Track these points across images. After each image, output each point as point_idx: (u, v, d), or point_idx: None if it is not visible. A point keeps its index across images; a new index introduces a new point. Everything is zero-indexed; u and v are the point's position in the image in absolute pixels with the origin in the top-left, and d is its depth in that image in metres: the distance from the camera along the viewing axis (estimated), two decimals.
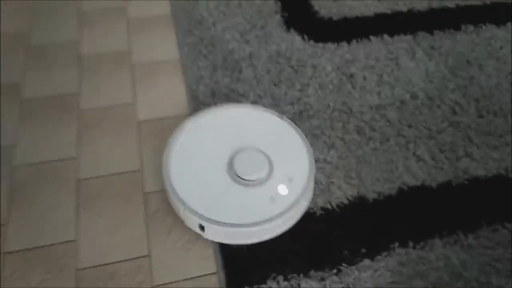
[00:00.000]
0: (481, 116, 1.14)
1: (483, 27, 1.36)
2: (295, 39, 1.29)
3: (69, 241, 0.90)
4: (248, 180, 0.91)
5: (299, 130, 1.01)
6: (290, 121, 1.03)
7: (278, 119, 1.02)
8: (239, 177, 0.92)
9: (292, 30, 1.31)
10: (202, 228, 0.87)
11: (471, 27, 1.36)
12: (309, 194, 0.95)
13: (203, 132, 0.99)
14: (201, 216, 0.87)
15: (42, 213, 0.94)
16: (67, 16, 1.35)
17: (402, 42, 1.31)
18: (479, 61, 1.27)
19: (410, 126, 1.11)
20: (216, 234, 0.89)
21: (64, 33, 1.30)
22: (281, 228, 0.90)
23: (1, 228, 0.91)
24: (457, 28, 1.36)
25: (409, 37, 1.32)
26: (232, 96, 1.14)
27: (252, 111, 1.05)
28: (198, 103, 1.12)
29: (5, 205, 0.94)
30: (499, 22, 1.38)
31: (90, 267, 0.87)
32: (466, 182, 1.01)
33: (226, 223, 0.86)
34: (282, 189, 0.91)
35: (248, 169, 0.92)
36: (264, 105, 1.10)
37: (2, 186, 0.97)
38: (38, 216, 0.93)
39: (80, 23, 1.34)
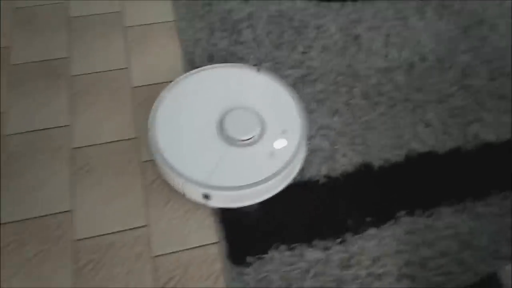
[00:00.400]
0: (493, 79, 1.08)
1: None
2: None
3: (64, 212, 0.87)
4: (242, 141, 0.88)
5: (282, 80, 0.98)
6: (269, 73, 0.99)
7: (257, 73, 0.98)
8: (233, 138, 0.88)
9: None
10: (206, 197, 0.84)
11: None
12: (305, 142, 0.92)
13: (185, 99, 0.94)
14: (204, 185, 0.83)
15: (35, 183, 0.90)
16: None
17: (411, 0, 1.23)
18: (492, 21, 1.20)
19: (418, 90, 1.05)
20: (223, 200, 0.85)
21: None
22: (287, 181, 0.88)
23: None
24: None
25: None
26: (231, 60, 1.09)
27: (227, 69, 1.00)
28: (194, 68, 1.07)
29: None
30: None
31: (86, 238, 0.84)
32: (476, 148, 0.97)
33: (232, 186, 0.83)
34: (279, 143, 0.89)
35: (240, 129, 0.88)
36: (266, 69, 1.04)
37: None
38: (31, 186, 0.90)
39: None
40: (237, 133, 0.88)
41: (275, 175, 0.85)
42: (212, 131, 0.89)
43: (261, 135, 0.89)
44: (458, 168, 0.94)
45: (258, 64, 1.07)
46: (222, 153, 0.87)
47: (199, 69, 0.99)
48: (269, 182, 0.84)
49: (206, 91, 0.96)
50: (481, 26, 1.18)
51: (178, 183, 0.85)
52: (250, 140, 0.88)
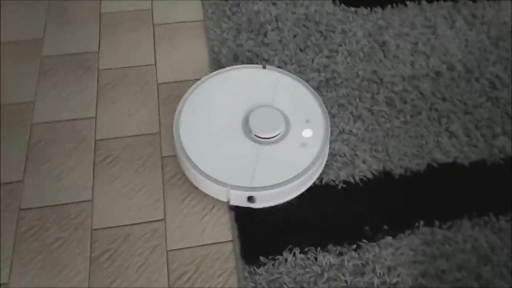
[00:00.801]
0: None
1: None
2: (325, 2, 1.21)
3: (85, 201, 0.89)
4: (271, 138, 0.90)
5: (294, 75, 1.01)
6: (278, 69, 1.02)
7: (267, 71, 1.01)
8: (261, 138, 0.89)
9: None
10: (250, 199, 0.85)
11: None
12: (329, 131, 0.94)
13: (201, 111, 0.96)
14: (249, 188, 0.85)
15: (59, 172, 0.93)
16: None
17: (441, 9, 1.21)
18: None
19: (444, 100, 1.04)
20: (268, 199, 0.87)
21: None
22: (320, 169, 0.91)
23: (17, 184, 0.91)
24: None
25: (449, 4, 1.22)
26: (255, 61, 1.09)
27: (236, 72, 1.02)
28: (219, 67, 1.08)
29: (22, 162, 0.94)
30: None
31: (105, 228, 0.86)
32: (502, 162, 0.95)
33: (274, 184, 0.85)
34: (307, 132, 0.91)
35: (266, 127, 0.90)
36: (289, 71, 1.04)
37: (20, 144, 0.96)
38: (54, 174, 0.92)
39: None
40: (264, 131, 0.90)
41: (312, 164, 0.87)
42: (239, 132, 0.91)
43: (287, 130, 0.91)
44: (481, 181, 0.92)
45: (282, 67, 1.07)
46: (255, 154, 0.88)
47: (221, 70, 1.02)
48: (308, 173, 0.86)
49: (227, 93, 0.98)
50: None
51: (221, 191, 0.86)
52: (278, 136, 0.90)
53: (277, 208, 0.87)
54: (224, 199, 0.87)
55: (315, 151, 0.89)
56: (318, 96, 0.97)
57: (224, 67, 1.04)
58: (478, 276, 0.80)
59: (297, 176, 0.86)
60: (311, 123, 0.92)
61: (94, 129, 0.99)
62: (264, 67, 1.01)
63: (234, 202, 0.87)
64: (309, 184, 0.89)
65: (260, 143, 0.90)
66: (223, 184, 0.85)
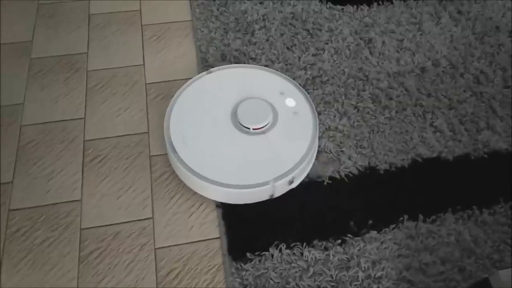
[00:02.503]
0: (507, 87, 1.07)
1: None
2: (312, 1, 1.22)
3: (74, 201, 0.90)
4: (261, 128, 0.92)
5: (270, 68, 1.03)
6: (255, 65, 1.04)
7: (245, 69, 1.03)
8: (247, 127, 0.92)
9: None
10: (291, 182, 0.89)
11: None
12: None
13: (191, 106, 0.97)
14: (290, 173, 0.87)
15: (49, 172, 0.94)
16: None
17: (427, 5, 1.22)
18: (508, 28, 1.18)
19: (429, 95, 1.05)
20: (303, 173, 0.91)
21: None
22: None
23: (7, 185, 0.92)
24: None
25: (434, 1, 1.23)
26: (243, 60, 1.10)
27: (236, 70, 1.03)
28: (208, 66, 1.09)
29: (12, 163, 0.95)
30: None
31: (93, 227, 0.87)
32: (486, 156, 0.96)
33: (301, 159, 0.89)
34: (290, 102, 0.96)
35: (254, 117, 0.92)
36: (276, 70, 1.05)
37: (9, 145, 0.97)
38: (44, 175, 0.93)
39: None
40: (251, 121, 0.92)
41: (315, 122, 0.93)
42: (229, 128, 0.93)
43: (274, 116, 0.94)
44: (465, 175, 0.93)
45: (269, 65, 1.08)
46: (267, 143, 0.91)
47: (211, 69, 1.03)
48: (316, 139, 0.93)
49: (205, 98, 0.99)
50: (498, 33, 1.17)
51: (266, 189, 0.87)
52: (267, 126, 0.93)
53: (263, 204, 0.88)
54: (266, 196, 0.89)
55: (310, 119, 0.94)
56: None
57: (212, 67, 1.06)
58: (461, 268, 0.81)
59: (311, 145, 0.91)
60: (285, 95, 0.97)
61: (83, 130, 1.00)
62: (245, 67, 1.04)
63: (277, 193, 0.89)
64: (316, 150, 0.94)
65: (259, 133, 0.92)
66: (266, 183, 0.86)
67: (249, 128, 0.92)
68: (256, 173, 0.87)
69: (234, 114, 0.93)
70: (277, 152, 0.90)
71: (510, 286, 0.57)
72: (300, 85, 1.01)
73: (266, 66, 1.07)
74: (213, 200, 0.90)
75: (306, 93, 0.98)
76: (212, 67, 1.08)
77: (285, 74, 1.03)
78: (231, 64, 1.09)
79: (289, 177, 0.87)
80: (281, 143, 0.91)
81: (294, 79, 1.04)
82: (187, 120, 0.94)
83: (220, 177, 0.86)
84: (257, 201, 0.89)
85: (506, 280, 0.58)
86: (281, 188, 0.88)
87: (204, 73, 1.02)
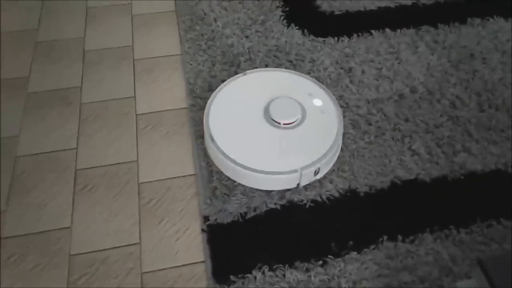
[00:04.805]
0: (482, 111, 1.11)
1: (490, 20, 1.33)
2: (295, 34, 1.29)
3: (64, 228, 0.93)
4: (291, 122, 1.00)
5: (304, 74, 1.12)
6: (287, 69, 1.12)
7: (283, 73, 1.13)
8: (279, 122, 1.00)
9: (292, 25, 1.31)
10: (316, 172, 0.95)
11: (477, 20, 1.32)
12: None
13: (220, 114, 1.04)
14: (317, 163, 0.94)
15: (41, 200, 0.97)
16: (75, 13, 1.39)
17: (405, 36, 1.29)
18: (483, 55, 1.24)
19: (407, 120, 1.09)
20: (328, 165, 0.98)
21: (70, 30, 1.34)
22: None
23: (1, 215, 0.95)
24: (463, 21, 1.33)
25: (412, 31, 1.30)
26: None
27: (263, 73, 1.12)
28: (195, 97, 1.14)
29: (5, 193, 0.98)
30: (507, 14, 1.34)
31: (82, 253, 0.90)
32: (462, 177, 0.99)
33: (326, 152, 0.96)
34: (317, 102, 1.05)
35: (285, 114, 1.00)
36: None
37: (4, 175, 1.01)
38: (36, 203, 0.97)
39: (86, 20, 1.38)
40: (282, 117, 1.00)
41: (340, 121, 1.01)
42: (261, 119, 1.02)
43: (303, 113, 1.02)
44: (443, 196, 0.96)
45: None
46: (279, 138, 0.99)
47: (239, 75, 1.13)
48: (341, 136, 1.00)
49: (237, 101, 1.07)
50: (473, 60, 1.22)
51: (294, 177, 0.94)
52: (296, 122, 1.00)
53: (247, 225, 0.91)
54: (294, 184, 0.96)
55: (335, 114, 1.02)
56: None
57: (200, 97, 1.11)
58: (440, 287, 0.83)
59: (336, 140, 0.98)
60: (313, 96, 1.07)
61: (75, 160, 1.05)
62: (244, 74, 1.12)
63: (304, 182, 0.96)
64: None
65: (286, 127, 1.00)
66: (294, 170, 0.93)
67: (279, 123, 0.99)
68: (286, 162, 0.94)
69: (267, 111, 1.02)
70: (305, 145, 0.98)
71: None
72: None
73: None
74: (199, 225, 0.93)
75: (333, 95, 1.06)
76: (200, 98, 1.13)
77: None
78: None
79: (315, 167, 0.93)
80: (309, 137, 0.99)
81: None
82: (224, 114, 1.03)
83: (253, 164, 0.94)
84: (285, 188, 0.96)
85: None
86: (307, 177, 0.95)
87: (240, 74, 1.12)
